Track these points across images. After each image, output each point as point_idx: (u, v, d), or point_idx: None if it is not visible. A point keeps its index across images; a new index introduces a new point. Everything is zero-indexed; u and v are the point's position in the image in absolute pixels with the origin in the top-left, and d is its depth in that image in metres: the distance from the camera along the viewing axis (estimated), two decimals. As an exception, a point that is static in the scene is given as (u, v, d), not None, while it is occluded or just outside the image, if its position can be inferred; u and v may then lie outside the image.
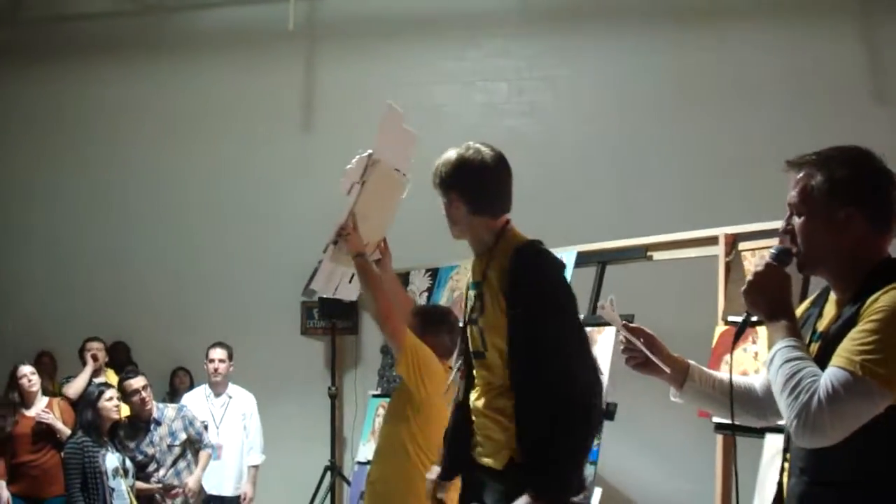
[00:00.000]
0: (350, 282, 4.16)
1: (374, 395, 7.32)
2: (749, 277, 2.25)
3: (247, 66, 9.08)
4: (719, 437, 4.31)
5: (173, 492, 5.62)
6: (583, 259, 5.58)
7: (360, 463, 7.14)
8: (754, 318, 2.34)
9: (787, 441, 2.27)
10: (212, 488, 6.39)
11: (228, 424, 6.57)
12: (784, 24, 7.89)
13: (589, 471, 5.06)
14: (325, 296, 4.21)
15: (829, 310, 2.29)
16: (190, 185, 9.18)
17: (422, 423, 3.96)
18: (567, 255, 5.60)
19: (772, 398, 2.18)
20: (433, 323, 4.16)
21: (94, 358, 7.35)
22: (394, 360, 4.00)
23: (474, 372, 3.22)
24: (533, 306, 2.90)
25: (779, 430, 2.78)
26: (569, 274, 5.53)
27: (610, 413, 5.12)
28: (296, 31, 8.82)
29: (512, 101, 8.67)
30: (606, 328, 4.97)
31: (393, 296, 4.07)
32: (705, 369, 2.57)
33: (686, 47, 8.12)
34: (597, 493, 5.08)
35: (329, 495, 8.12)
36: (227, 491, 6.51)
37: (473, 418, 3.19)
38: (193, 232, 9.06)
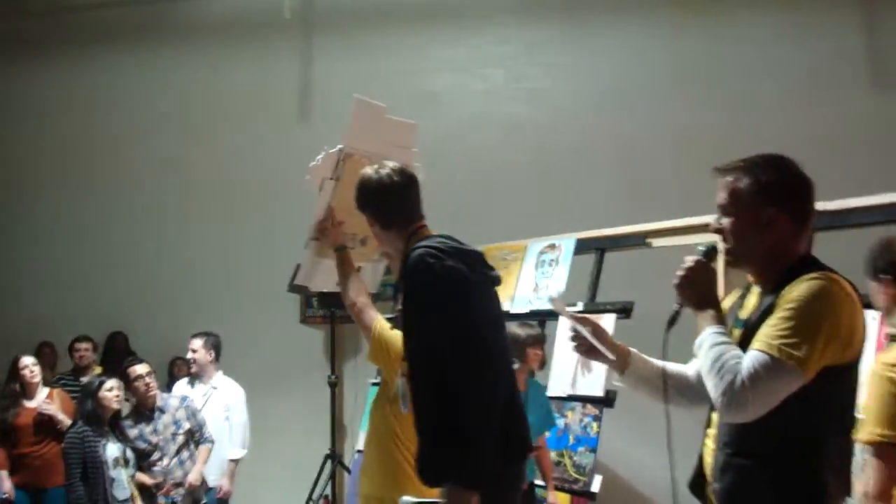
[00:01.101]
0: (326, 272, 4.22)
1: (374, 384, 7.31)
2: (680, 272, 2.44)
3: (243, 54, 9.07)
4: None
5: (165, 489, 5.60)
6: (582, 246, 5.58)
7: (359, 451, 7.14)
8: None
9: (708, 423, 2.51)
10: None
11: (208, 415, 6.32)
12: (785, 9, 7.88)
13: (589, 458, 5.08)
14: (311, 289, 4.19)
15: (751, 300, 2.52)
16: (188, 174, 9.17)
17: (398, 412, 3.87)
18: (566, 243, 5.61)
19: (703, 384, 2.38)
20: None
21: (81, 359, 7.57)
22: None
23: None
24: (407, 309, 3.05)
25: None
26: (567, 261, 5.54)
27: (609, 400, 5.13)
28: (292, 20, 8.81)
29: (510, 87, 8.65)
30: (605, 315, 4.98)
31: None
32: (645, 357, 2.76)
33: (685, 33, 8.12)
34: (597, 479, 5.09)
35: (329, 483, 8.15)
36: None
37: None
38: (192, 222, 9.06)
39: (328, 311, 8.49)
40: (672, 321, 2.50)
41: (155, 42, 9.34)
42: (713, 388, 2.27)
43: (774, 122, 7.28)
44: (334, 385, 8.35)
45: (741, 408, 2.22)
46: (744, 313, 2.51)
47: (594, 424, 5.15)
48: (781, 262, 2.41)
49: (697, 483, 2.54)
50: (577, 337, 2.77)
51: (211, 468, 6.26)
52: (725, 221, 2.46)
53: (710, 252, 2.49)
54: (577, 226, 5.77)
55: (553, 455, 5.27)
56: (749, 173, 2.44)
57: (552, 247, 5.60)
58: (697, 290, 2.44)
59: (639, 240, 5.38)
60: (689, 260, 2.46)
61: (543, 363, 5.41)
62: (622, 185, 7.84)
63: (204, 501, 5.75)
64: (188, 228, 9.03)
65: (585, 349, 2.77)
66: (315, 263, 4.26)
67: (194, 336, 6.62)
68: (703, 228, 5.04)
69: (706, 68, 8.04)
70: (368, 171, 3.38)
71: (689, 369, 2.69)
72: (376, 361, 4.02)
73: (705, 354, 2.32)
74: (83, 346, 7.62)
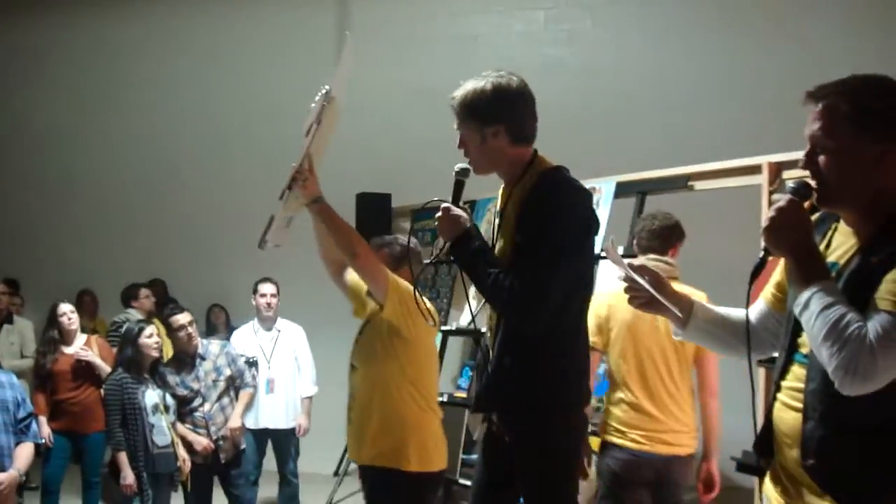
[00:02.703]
0: (287, 226, 3.76)
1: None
2: (770, 213, 2.10)
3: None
4: (761, 371, 4.24)
5: (202, 447, 5.60)
6: (622, 189, 5.49)
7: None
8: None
9: (781, 377, 2.23)
10: (267, 422, 6.41)
11: (279, 358, 6.55)
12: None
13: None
14: (278, 246, 3.70)
15: (842, 241, 2.18)
16: (227, 123, 9.15)
17: (414, 361, 3.82)
18: (606, 186, 5.51)
19: (765, 331, 2.26)
20: (403, 256, 3.97)
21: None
22: (379, 297, 3.75)
23: None
24: (537, 228, 2.79)
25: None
26: (608, 204, 5.44)
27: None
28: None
29: (550, 29, 8.49)
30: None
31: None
32: (708, 306, 2.52)
33: (729, -28, 7.89)
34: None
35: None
36: (282, 423, 6.50)
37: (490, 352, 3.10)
38: (232, 170, 9.05)
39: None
40: (757, 270, 2.18)
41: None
42: (831, 358, 1.93)
43: (820, 60, 7.06)
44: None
45: (869, 378, 1.90)
46: (835, 256, 2.17)
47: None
48: (886, 204, 2.06)
49: (764, 449, 2.29)
50: (632, 288, 2.50)
51: (285, 410, 6.54)
52: (820, 156, 2.10)
53: (803, 190, 2.12)
54: (617, 169, 5.67)
55: (593, 401, 5.23)
56: (851, 99, 2.06)
57: (592, 189, 5.50)
58: (791, 234, 2.08)
59: (681, 182, 5.28)
60: (780, 199, 2.11)
61: None
62: (664, 127, 7.68)
63: (242, 447, 5.77)
64: (228, 177, 9.01)
65: (643, 301, 2.49)
66: (285, 219, 3.76)
67: (262, 281, 6.69)
68: (749, 171, 4.95)
69: (750, 6, 7.81)
70: (498, 79, 2.97)
71: (750, 314, 2.41)
72: (395, 316, 3.73)
73: (815, 317, 1.97)
74: (143, 291, 7.92)
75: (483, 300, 3.02)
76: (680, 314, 2.47)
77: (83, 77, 9.57)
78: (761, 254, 2.17)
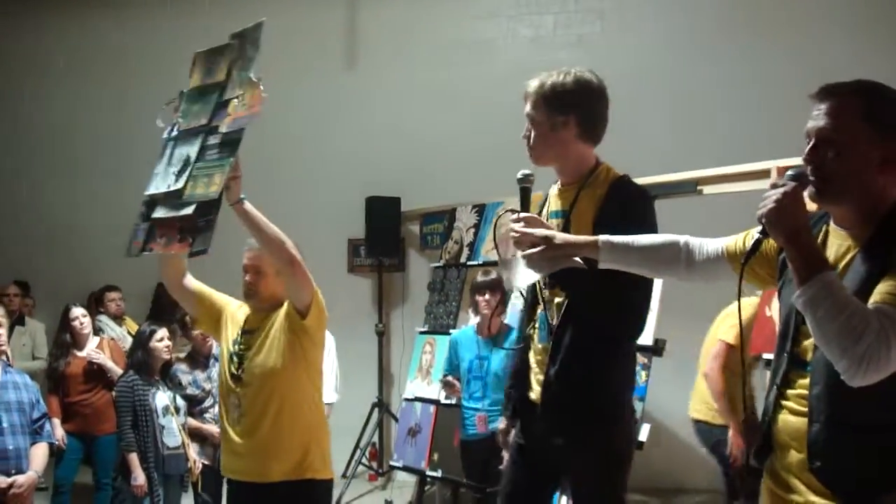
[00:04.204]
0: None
1: (422, 332, 7.34)
2: (776, 197, 2.05)
3: (290, 1, 9.00)
4: (768, 373, 4.24)
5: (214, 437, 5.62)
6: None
7: (407, 399, 7.18)
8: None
9: (785, 384, 2.23)
10: None
11: None
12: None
13: (637, 406, 5.04)
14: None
15: (837, 243, 2.17)
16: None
17: (317, 367, 3.72)
18: (615, 190, 5.52)
19: (706, 264, 2.40)
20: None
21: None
22: (303, 304, 3.56)
23: (540, 308, 3.13)
24: (619, 227, 2.74)
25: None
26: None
27: (658, 349, 5.08)
28: (338, -35, 8.72)
29: (559, 33, 8.52)
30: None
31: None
32: (617, 241, 2.58)
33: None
34: (645, 428, 5.07)
35: (377, 432, 8.20)
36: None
37: (534, 357, 3.14)
38: (245, 165, 9.05)
39: (376, 259, 8.49)
40: (752, 253, 2.19)
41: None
42: (843, 351, 1.90)
43: (830, 64, 7.06)
44: (382, 334, 8.38)
45: (881, 370, 1.89)
46: (831, 256, 2.16)
47: (643, 373, 5.11)
48: (883, 205, 2.08)
49: (764, 453, 2.30)
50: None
51: None
52: (828, 153, 2.07)
53: (803, 177, 2.10)
54: (627, 172, 5.68)
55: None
56: (867, 100, 2.06)
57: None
58: (792, 221, 2.03)
59: (690, 187, 5.30)
60: (782, 184, 2.08)
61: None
62: (673, 132, 7.69)
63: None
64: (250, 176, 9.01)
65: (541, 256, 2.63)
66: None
67: None
68: (758, 175, 4.97)
69: (759, 10, 7.82)
70: (581, 72, 3.07)
71: (675, 238, 2.55)
72: (316, 325, 3.59)
73: (826, 310, 1.93)
74: (114, 294, 7.84)
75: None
76: (581, 261, 2.59)
77: (92, 77, 9.59)
78: (757, 236, 2.17)
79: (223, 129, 3.30)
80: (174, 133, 3.50)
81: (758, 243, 2.17)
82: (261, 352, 3.60)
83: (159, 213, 3.30)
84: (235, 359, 3.66)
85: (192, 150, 3.34)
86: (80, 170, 9.58)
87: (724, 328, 5.39)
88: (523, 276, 2.88)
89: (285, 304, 3.63)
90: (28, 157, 9.80)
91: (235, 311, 3.84)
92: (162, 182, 3.35)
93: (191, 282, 3.85)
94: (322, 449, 3.70)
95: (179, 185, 3.25)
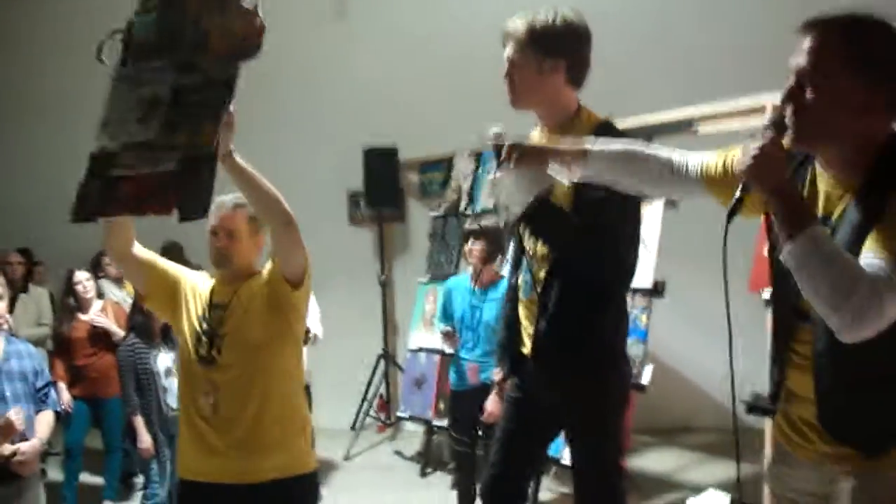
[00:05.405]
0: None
1: (423, 283, 7.34)
2: (756, 147, 1.96)
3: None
4: (768, 313, 4.23)
5: None
6: (628, 134, 5.45)
7: (411, 350, 7.20)
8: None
9: (790, 338, 2.18)
10: None
11: None
12: None
13: (639, 350, 5.05)
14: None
15: (826, 189, 2.08)
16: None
17: (300, 344, 3.27)
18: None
19: (685, 181, 2.32)
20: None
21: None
22: (295, 273, 3.06)
23: (526, 263, 3.13)
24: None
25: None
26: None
27: (659, 291, 5.08)
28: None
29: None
30: (651, 203, 4.88)
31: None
32: (602, 149, 2.53)
33: None
34: (647, 371, 5.08)
35: (383, 383, 8.24)
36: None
37: (522, 310, 3.16)
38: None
39: (376, 211, 8.45)
40: (734, 210, 2.05)
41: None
42: (832, 309, 1.84)
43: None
44: (385, 285, 8.38)
45: (876, 324, 1.83)
46: (823, 207, 2.08)
47: (643, 316, 5.11)
48: (867, 148, 1.98)
49: (776, 399, 2.26)
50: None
51: None
52: (807, 93, 1.97)
53: (781, 125, 2.00)
54: (619, 111, 5.62)
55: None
56: (849, 39, 1.95)
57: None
58: (772, 174, 1.95)
59: (686, 125, 5.25)
60: (763, 136, 1.98)
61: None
62: (666, 67, 7.56)
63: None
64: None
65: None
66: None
67: None
68: (754, 112, 4.91)
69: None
70: (568, 14, 2.97)
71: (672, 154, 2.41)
72: (305, 296, 3.12)
73: (816, 266, 1.87)
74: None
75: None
76: (569, 169, 2.53)
77: (88, 45, 9.50)
78: (738, 192, 2.05)
79: (205, 65, 2.73)
80: (126, 71, 2.89)
81: (739, 202, 2.05)
82: (240, 329, 3.08)
83: (121, 169, 2.65)
84: (205, 339, 3.11)
85: (160, 90, 2.71)
86: (76, 136, 9.51)
87: None
88: (510, 195, 2.85)
89: (266, 273, 3.15)
90: (25, 125, 9.75)
91: (196, 283, 3.28)
92: (120, 131, 2.71)
93: (140, 251, 3.21)
94: (309, 434, 3.23)
95: (151, 134, 2.63)
